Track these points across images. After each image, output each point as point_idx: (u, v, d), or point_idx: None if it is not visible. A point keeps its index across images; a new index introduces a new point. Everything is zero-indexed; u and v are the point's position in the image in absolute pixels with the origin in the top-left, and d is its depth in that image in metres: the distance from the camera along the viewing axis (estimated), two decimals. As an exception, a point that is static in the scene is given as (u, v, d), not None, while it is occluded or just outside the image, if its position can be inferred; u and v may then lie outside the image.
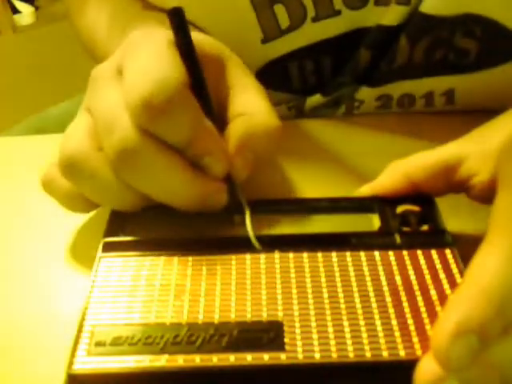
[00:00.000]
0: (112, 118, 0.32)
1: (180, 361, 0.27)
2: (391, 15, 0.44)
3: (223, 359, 0.27)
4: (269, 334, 0.28)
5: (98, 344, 0.28)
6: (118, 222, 0.35)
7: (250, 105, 0.36)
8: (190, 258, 0.32)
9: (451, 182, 0.33)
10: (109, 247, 0.33)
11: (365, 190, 0.35)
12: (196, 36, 0.35)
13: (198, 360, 0.27)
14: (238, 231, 0.33)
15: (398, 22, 0.44)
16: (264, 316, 0.29)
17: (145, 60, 0.32)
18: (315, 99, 0.50)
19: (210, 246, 0.32)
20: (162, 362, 0.27)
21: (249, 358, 0.27)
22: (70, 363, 0.27)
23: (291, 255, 0.32)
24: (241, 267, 0.31)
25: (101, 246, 0.33)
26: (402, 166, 0.35)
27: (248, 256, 0.32)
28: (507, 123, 0.33)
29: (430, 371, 0.24)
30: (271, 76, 0.50)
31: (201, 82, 0.34)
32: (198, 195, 0.33)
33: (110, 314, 0.29)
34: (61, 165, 0.33)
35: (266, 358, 0.27)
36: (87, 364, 0.27)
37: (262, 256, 0.32)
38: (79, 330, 0.28)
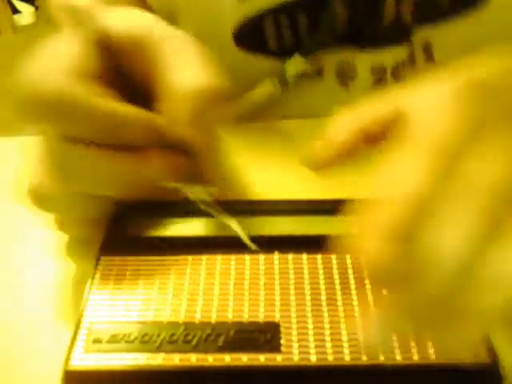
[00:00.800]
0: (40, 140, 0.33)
1: (176, 360, 0.27)
2: None
3: (219, 359, 0.27)
4: (265, 335, 0.28)
5: (96, 341, 0.28)
6: (118, 221, 0.35)
7: (183, 71, 0.35)
8: (189, 258, 0.32)
9: (392, 128, 0.32)
10: (108, 245, 0.33)
11: (318, 146, 0.34)
12: (119, 24, 0.35)
13: (193, 359, 0.27)
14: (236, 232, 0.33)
15: None
16: (261, 317, 0.29)
17: (49, 65, 0.33)
18: (296, 62, 0.50)
19: (209, 246, 0.32)
20: (157, 360, 0.27)
21: (244, 358, 0.27)
22: (67, 359, 0.27)
23: (291, 256, 0.32)
24: (240, 267, 0.31)
25: (100, 245, 0.33)
26: (349, 119, 0.33)
27: (247, 256, 0.32)
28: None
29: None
30: (248, 37, 0.50)
31: (120, 71, 0.34)
32: (130, 175, 0.32)
33: (108, 312, 0.29)
34: (28, 196, 0.34)
35: (261, 358, 0.27)
36: (84, 361, 0.27)
37: (262, 257, 0.32)
38: (77, 327, 0.29)
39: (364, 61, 0.50)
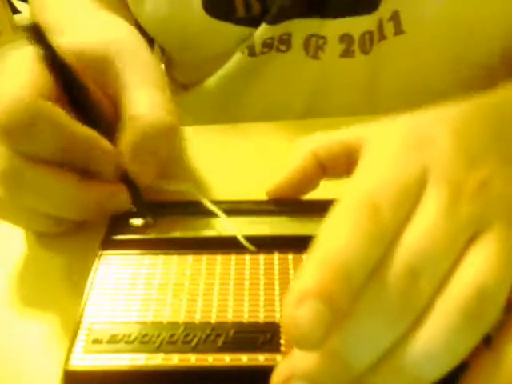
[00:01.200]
0: None
1: (175, 360, 0.27)
2: None
3: (218, 359, 0.27)
4: (265, 336, 0.28)
5: (95, 341, 0.28)
6: (118, 221, 0.35)
7: (139, 105, 0.36)
8: (190, 258, 0.32)
9: (352, 162, 0.32)
10: (109, 245, 0.33)
11: (281, 181, 0.35)
12: (74, 41, 0.36)
13: (193, 359, 0.27)
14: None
15: None
16: (261, 317, 0.29)
17: (2, 87, 0.33)
18: (263, 31, 0.50)
19: (209, 246, 0.32)
20: (157, 360, 0.27)
21: (244, 358, 0.27)
22: (67, 359, 0.27)
23: (291, 256, 0.32)
24: (240, 267, 0.31)
25: (101, 244, 0.33)
26: (310, 147, 0.34)
27: (247, 257, 0.32)
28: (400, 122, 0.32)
29: (282, 373, 0.24)
30: (217, 4, 0.50)
31: (75, 89, 0.34)
32: (90, 203, 0.34)
33: (108, 312, 0.29)
34: None
35: (261, 359, 0.27)
36: (83, 361, 0.27)
37: (262, 257, 0.32)
38: (77, 327, 0.29)
39: (332, 30, 0.50)
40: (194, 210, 0.35)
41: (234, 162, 0.44)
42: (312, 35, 0.50)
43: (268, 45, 0.51)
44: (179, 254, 0.32)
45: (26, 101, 0.32)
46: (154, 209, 0.35)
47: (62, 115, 0.32)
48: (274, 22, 0.49)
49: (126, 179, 0.34)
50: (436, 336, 0.23)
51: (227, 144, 0.46)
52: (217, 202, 0.35)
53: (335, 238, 0.24)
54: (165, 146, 0.36)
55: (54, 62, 0.34)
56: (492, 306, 0.24)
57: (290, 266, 0.31)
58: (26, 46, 0.35)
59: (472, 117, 0.29)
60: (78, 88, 0.34)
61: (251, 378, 0.27)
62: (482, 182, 0.26)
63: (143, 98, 0.36)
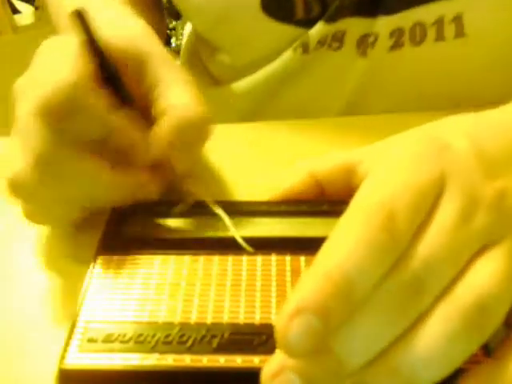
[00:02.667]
0: (27, 129, 0.33)
1: (170, 360, 0.27)
2: None
3: (213, 360, 0.27)
4: (260, 337, 0.28)
5: (91, 340, 0.28)
6: (116, 221, 0.35)
7: (175, 99, 0.36)
8: (187, 258, 0.32)
9: (351, 184, 0.33)
10: (106, 245, 0.33)
11: (275, 196, 0.36)
12: (112, 34, 0.36)
13: (187, 360, 0.27)
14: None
15: None
16: (257, 319, 0.29)
17: (45, 67, 0.33)
18: (319, 30, 0.50)
19: (206, 247, 0.32)
20: (151, 360, 0.27)
21: (239, 360, 0.27)
22: (62, 358, 0.27)
23: (288, 258, 0.32)
24: (237, 269, 0.31)
25: (98, 244, 0.33)
26: (307, 166, 0.35)
27: (244, 258, 0.32)
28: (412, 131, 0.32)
29: (275, 365, 0.24)
30: (275, 5, 0.50)
31: (113, 76, 0.35)
32: (123, 189, 0.33)
33: (105, 311, 0.29)
34: (7, 189, 0.34)
35: (256, 360, 0.27)
36: (78, 360, 0.27)
37: (259, 258, 0.32)
38: (73, 326, 0.29)
39: (384, 26, 0.49)
40: (191, 210, 0.35)
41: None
42: (366, 34, 0.50)
43: (322, 42, 0.51)
44: (176, 254, 0.32)
45: (72, 84, 0.31)
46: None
47: (102, 102, 0.33)
48: (331, 20, 0.49)
49: (156, 168, 0.34)
50: (434, 340, 0.23)
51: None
52: (217, 202, 0.35)
53: (341, 249, 0.24)
54: (200, 138, 0.36)
55: (96, 48, 0.34)
56: (493, 317, 0.24)
57: (287, 268, 0.31)
58: (69, 32, 0.35)
59: (491, 126, 0.29)
60: (115, 76, 0.35)
61: (246, 379, 0.27)
62: (498, 194, 0.26)
63: (180, 91, 0.36)
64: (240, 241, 0.32)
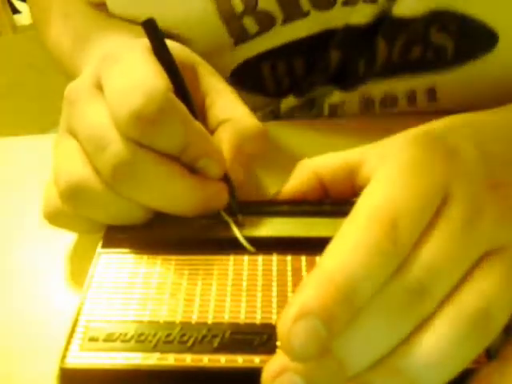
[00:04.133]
0: (101, 134, 0.31)
1: (171, 360, 0.27)
2: (359, 14, 0.45)
3: (214, 360, 0.27)
4: (261, 337, 0.28)
5: (92, 339, 0.28)
6: None
7: (231, 110, 0.36)
8: (188, 258, 0.32)
9: (355, 183, 0.33)
10: (108, 244, 0.33)
11: (278, 196, 0.36)
12: (169, 44, 0.35)
13: (188, 360, 0.27)
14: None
15: (366, 20, 0.45)
16: (258, 318, 0.29)
17: (127, 72, 0.32)
18: (289, 101, 0.51)
19: (208, 246, 0.32)
20: (152, 360, 0.27)
21: (240, 360, 0.27)
22: (63, 357, 0.27)
23: (289, 258, 0.32)
24: (238, 268, 0.31)
25: (100, 242, 0.33)
26: (311, 165, 0.35)
27: (246, 257, 0.32)
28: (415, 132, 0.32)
29: (276, 365, 0.24)
30: (245, 77, 0.50)
31: (183, 87, 0.34)
32: (200, 199, 0.32)
33: (106, 310, 0.29)
34: (63, 195, 0.32)
35: (256, 360, 0.27)
36: (79, 359, 0.27)
37: (260, 258, 0.32)
38: (74, 325, 0.29)
39: (345, 95, 0.50)
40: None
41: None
42: (337, 104, 0.50)
43: (293, 109, 0.52)
44: (177, 253, 0.32)
45: (164, 92, 0.31)
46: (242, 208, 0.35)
47: (185, 109, 0.32)
48: (301, 94, 0.50)
49: (225, 178, 0.34)
50: (438, 343, 0.23)
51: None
52: None
53: (344, 253, 0.24)
54: (259, 150, 0.37)
55: (167, 58, 0.34)
56: (496, 321, 0.24)
57: (289, 268, 0.31)
58: (132, 40, 0.35)
59: (499, 131, 0.29)
60: (184, 86, 0.34)
61: (246, 379, 0.27)
62: (502, 201, 0.26)
63: (232, 102, 0.37)
64: (242, 240, 0.32)
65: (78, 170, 0.32)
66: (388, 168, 0.27)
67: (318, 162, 0.35)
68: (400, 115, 0.49)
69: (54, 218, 0.34)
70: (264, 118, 0.52)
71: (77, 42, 0.51)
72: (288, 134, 0.46)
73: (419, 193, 0.25)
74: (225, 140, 0.35)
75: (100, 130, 0.32)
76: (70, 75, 0.51)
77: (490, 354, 0.26)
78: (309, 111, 0.51)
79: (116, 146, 0.31)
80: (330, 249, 0.24)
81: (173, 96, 0.31)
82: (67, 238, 0.38)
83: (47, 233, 0.37)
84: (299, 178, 0.35)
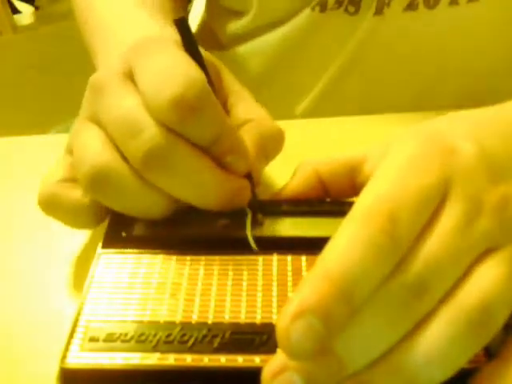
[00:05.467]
0: (134, 121, 0.31)
1: (171, 360, 0.27)
2: None
3: (214, 360, 0.27)
4: (261, 337, 0.28)
5: (92, 339, 0.28)
6: (118, 220, 0.34)
7: (253, 112, 0.37)
8: (188, 258, 0.32)
9: (356, 182, 0.33)
10: (109, 244, 0.33)
11: (278, 195, 0.36)
12: None
13: (189, 360, 0.27)
14: (236, 232, 0.33)
15: None
16: (258, 318, 0.29)
17: (163, 61, 0.32)
18: None
19: (208, 246, 0.32)
20: (153, 360, 0.27)
21: (240, 359, 0.27)
22: (63, 357, 0.27)
23: (289, 258, 0.32)
24: (238, 268, 0.31)
25: (101, 243, 0.33)
26: (312, 165, 0.35)
27: (246, 257, 0.32)
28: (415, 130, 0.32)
29: (276, 364, 0.24)
30: None
31: (211, 84, 0.34)
32: (227, 193, 0.32)
33: (106, 311, 0.29)
34: (86, 181, 0.32)
35: (257, 360, 0.27)
36: (80, 359, 0.27)
37: (260, 258, 0.32)
38: (74, 325, 0.29)
39: None
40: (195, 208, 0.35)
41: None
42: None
43: (339, 2, 0.53)
44: (178, 253, 0.32)
45: (202, 79, 0.31)
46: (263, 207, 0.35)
47: (219, 103, 0.32)
48: None
49: (248, 176, 0.34)
50: (437, 342, 0.23)
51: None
52: None
53: (341, 250, 0.24)
54: (277, 150, 0.37)
55: (197, 56, 0.34)
56: (495, 319, 0.24)
57: (289, 268, 0.31)
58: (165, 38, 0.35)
59: (494, 126, 0.29)
60: (212, 84, 0.34)
61: (247, 379, 0.27)
62: (501, 199, 0.26)
63: (251, 104, 0.37)
64: (250, 238, 0.33)
65: (105, 155, 0.32)
66: (387, 164, 0.27)
67: (318, 162, 0.35)
68: (400, 115, 0.49)
69: (49, 205, 0.34)
70: (310, 13, 0.54)
71: (99, 27, 0.52)
72: (290, 134, 0.46)
73: (418, 188, 0.25)
74: (248, 139, 0.35)
75: (133, 116, 0.31)
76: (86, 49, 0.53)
77: (490, 353, 0.26)
78: (355, 11, 0.53)
79: (151, 132, 0.30)
80: (329, 246, 0.24)
81: (209, 87, 0.31)
82: (67, 239, 0.38)
83: (47, 233, 0.37)
84: (300, 178, 0.35)
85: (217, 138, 0.31)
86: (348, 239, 0.24)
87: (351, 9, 0.53)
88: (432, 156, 0.27)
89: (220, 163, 0.32)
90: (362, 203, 0.25)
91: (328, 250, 0.24)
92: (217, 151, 0.32)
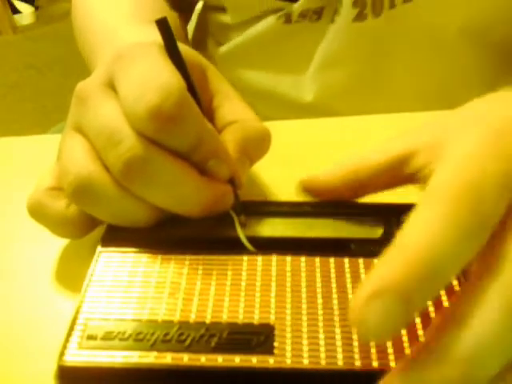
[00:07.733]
0: (114, 130, 0.31)
1: (168, 359, 0.27)
2: None
3: (211, 360, 0.27)
4: (259, 337, 0.28)
5: (90, 337, 0.28)
6: None
7: (238, 112, 0.37)
8: (187, 257, 0.32)
9: (399, 176, 0.32)
10: (108, 242, 0.33)
11: (303, 185, 0.35)
12: (181, 46, 0.35)
13: (186, 359, 0.27)
14: (235, 232, 0.34)
15: None
16: (256, 318, 0.29)
17: (143, 70, 0.32)
18: (302, 2, 0.54)
19: (207, 246, 0.33)
20: (150, 358, 0.27)
21: (237, 359, 0.27)
22: (61, 355, 0.27)
23: (288, 258, 0.32)
24: (237, 268, 0.31)
25: (100, 241, 0.33)
26: (353, 162, 0.33)
27: (245, 257, 0.32)
28: (463, 109, 0.31)
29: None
30: None
31: (192, 87, 0.34)
32: (208, 200, 0.32)
33: (105, 309, 0.29)
34: (70, 190, 0.32)
35: (253, 360, 0.27)
36: (77, 357, 0.27)
37: (259, 258, 0.32)
38: (73, 323, 0.29)
39: None
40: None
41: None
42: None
43: (303, 15, 0.54)
44: (177, 253, 0.32)
45: (182, 88, 0.31)
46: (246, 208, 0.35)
47: (198, 108, 0.32)
48: None
49: (230, 179, 0.34)
50: None
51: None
52: None
53: (427, 228, 0.22)
54: (262, 152, 0.37)
55: (178, 58, 0.34)
56: None
57: (288, 268, 0.31)
58: (147, 40, 0.35)
59: None
60: (193, 87, 0.34)
61: (243, 379, 0.27)
62: None
63: (237, 106, 0.37)
64: (244, 240, 0.33)
65: (88, 165, 0.32)
66: (462, 152, 0.26)
67: (357, 162, 0.33)
68: (400, 115, 0.49)
69: (35, 212, 0.34)
70: (275, 23, 0.56)
71: (99, 35, 0.53)
72: (284, 134, 0.46)
73: (501, 173, 0.24)
74: (231, 141, 0.35)
75: (113, 125, 0.31)
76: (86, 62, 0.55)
77: None
78: (316, 18, 0.54)
79: (129, 142, 0.31)
80: (411, 224, 0.23)
81: (188, 94, 0.31)
82: (67, 238, 0.38)
83: (47, 233, 0.37)
84: (335, 174, 0.34)
85: (197, 145, 0.32)
86: (434, 219, 0.22)
87: (314, 16, 0.54)
88: (508, 143, 0.25)
89: (201, 169, 0.32)
90: (446, 182, 0.24)
91: (410, 227, 0.23)
92: (197, 157, 0.32)
